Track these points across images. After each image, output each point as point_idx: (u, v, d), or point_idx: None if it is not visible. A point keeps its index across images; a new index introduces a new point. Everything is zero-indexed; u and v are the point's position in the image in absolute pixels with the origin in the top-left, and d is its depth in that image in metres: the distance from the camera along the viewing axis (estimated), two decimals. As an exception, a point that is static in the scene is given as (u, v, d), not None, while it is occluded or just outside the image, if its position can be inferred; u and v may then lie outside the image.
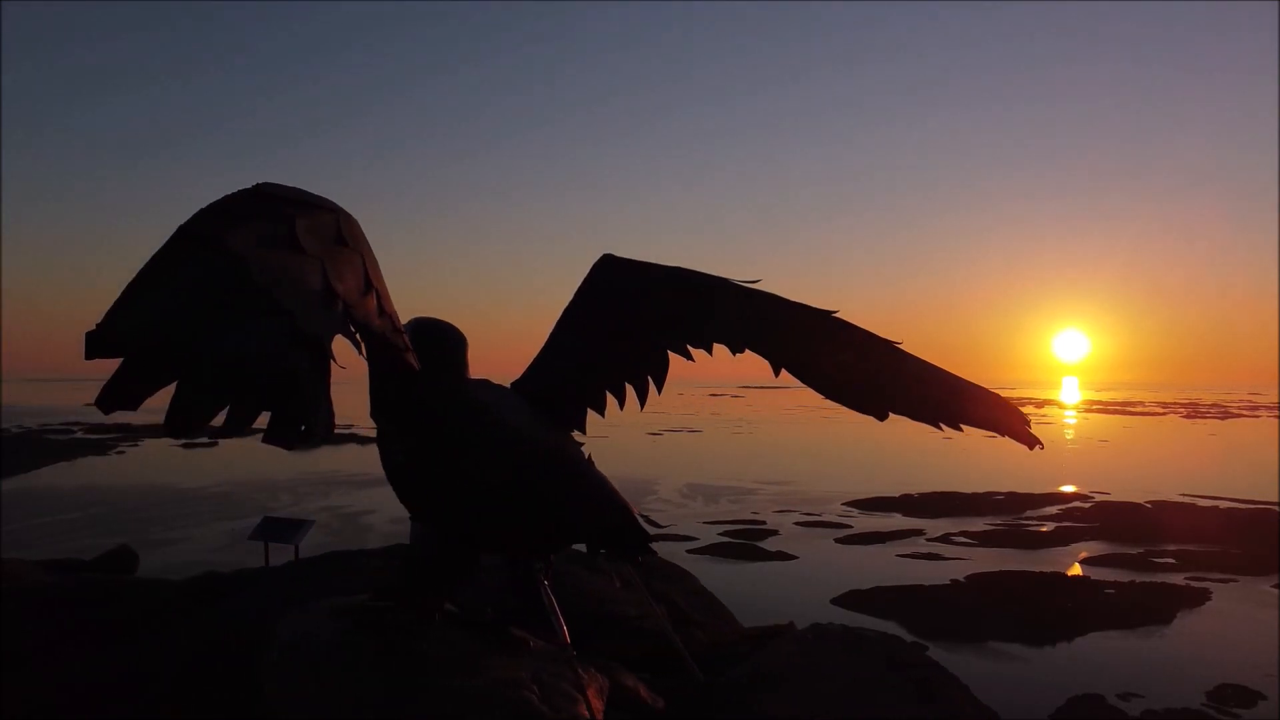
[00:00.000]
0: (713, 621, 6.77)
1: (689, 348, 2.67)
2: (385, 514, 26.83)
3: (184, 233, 1.87)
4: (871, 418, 2.58)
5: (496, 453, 2.43)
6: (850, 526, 25.43)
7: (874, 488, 30.97)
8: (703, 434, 62.00)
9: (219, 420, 2.01)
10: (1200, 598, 17.51)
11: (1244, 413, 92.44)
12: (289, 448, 2.21)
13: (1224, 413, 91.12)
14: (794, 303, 2.58)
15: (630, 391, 2.74)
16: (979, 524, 25.29)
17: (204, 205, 1.93)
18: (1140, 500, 28.40)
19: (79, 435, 53.28)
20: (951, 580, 18.30)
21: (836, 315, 2.55)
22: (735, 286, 2.62)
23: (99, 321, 1.76)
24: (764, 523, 25.51)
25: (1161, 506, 27.53)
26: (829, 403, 2.66)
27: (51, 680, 4.48)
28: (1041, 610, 15.98)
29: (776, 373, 2.53)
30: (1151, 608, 16.51)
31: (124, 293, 1.81)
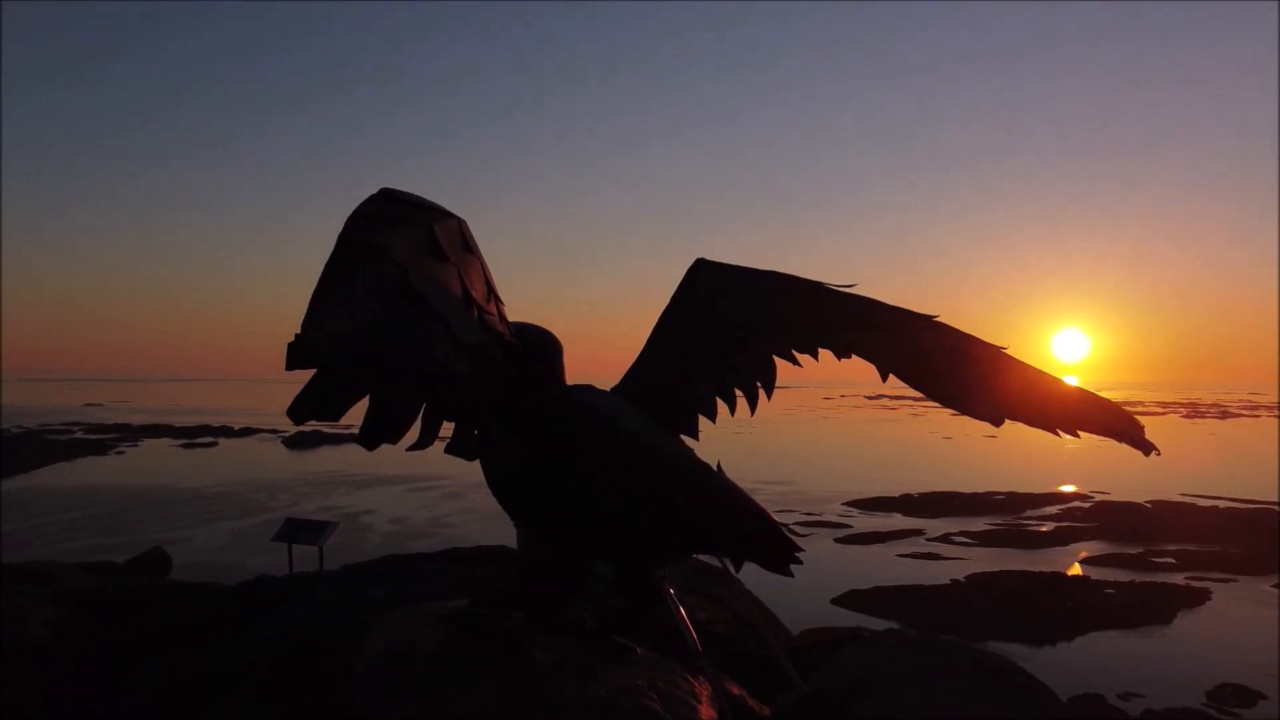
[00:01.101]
0: (766, 625, 6.70)
1: (794, 353, 2.62)
2: (385, 514, 26.88)
3: (350, 242, 1.91)
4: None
5: (621, 459, 2.38)
6: (850, 526, 25.44)
7: (874, 488, 30.97)
8: (703, 433, 61.90)
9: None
10: (1200, 597, 17.51)
11: (1243, 412, 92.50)
12: (470, 458, 2.25)
13: (1223, 413, 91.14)
14: (895, 307, 2.54)
15: (734, 396, 2.69)
16: (979, 524, 25.29)
17: (353, 211, 1.97)
18: (1140, 500, 28.38)
19: (79, 435, 53.23)
20: (951, 580, 18.31)
21: (938, 319, 2.52)
22: (835, 290, 2.59)
23: (297, 333, 1.81)
24: (764, 523, 25.41)
25: (1161, 506, 27.51)
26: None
27: (132, 685, 4.45)
28: (1041, 610, 15.98)
29: (884, 378, 2.49)
30: (1151, 607, 16.52)
31: (311, 303, 1.86)
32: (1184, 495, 30.01)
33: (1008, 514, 27.35)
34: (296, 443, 51.12)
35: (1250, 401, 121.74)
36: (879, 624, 13.71)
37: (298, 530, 14.38)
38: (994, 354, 2.48)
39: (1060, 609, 16.09)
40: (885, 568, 19.87)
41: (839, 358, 2.54)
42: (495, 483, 2.45)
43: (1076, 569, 20.20)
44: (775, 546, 2.55)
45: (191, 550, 20.57)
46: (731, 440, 57.03)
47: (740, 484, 2.63)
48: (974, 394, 2.44)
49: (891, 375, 2.50)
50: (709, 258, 2.71)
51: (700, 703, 2.47)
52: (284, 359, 1.81)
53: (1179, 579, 18.98)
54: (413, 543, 22.54)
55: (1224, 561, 20.56)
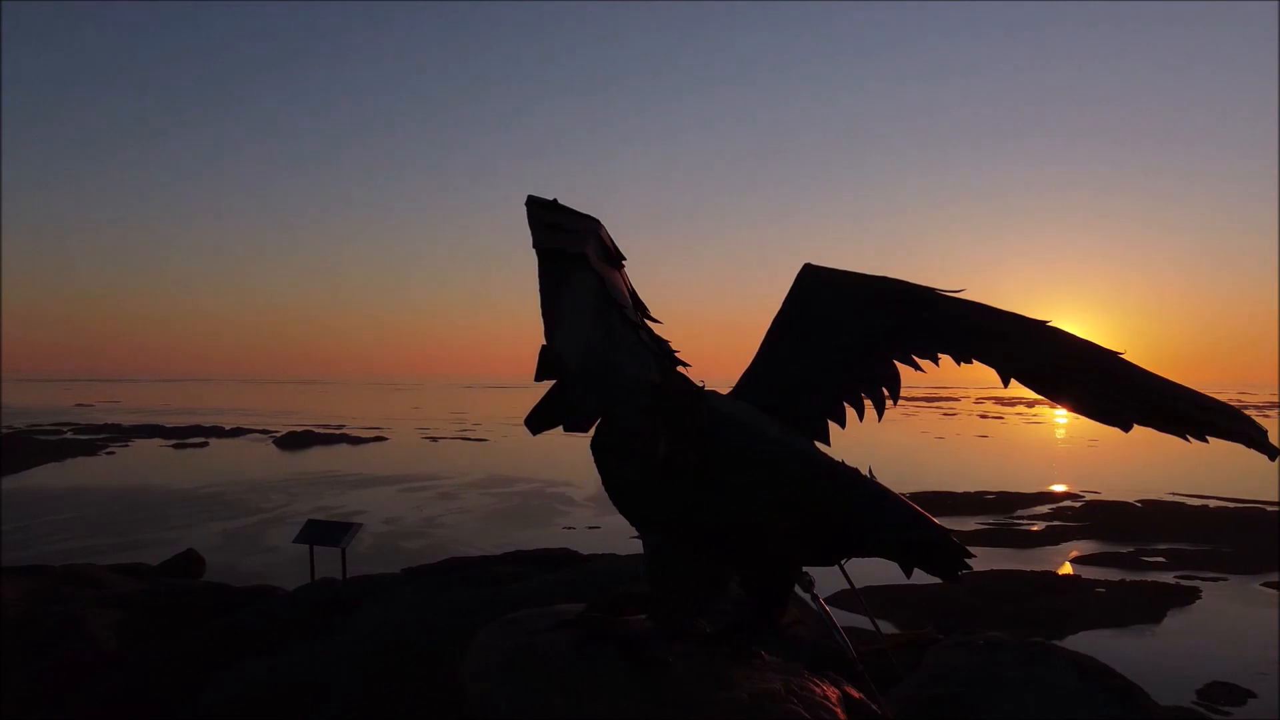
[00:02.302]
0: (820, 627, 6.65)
1: (915, 358, 2.62)
2: (377, 515, 26.81)
3: (555, 253, 1.97)
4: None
5: (771, 465, 2.32)
6: (842, 526, 25.42)
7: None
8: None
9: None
10: (1190, 596, 17.61)
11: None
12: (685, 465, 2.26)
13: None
14: (1008, 312, 2.51)
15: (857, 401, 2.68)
16: (970, 524, 25.37)
17: (535, 221, 2.02)
18: (1130, 499, 28.54)
19: (69, 436, 53.03)
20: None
21: (1050, 324, 2.52)
22: (949, 296, 2.57)
23: (544, 345, 1.89)
24: (755, 523, 25.47)
25: (1151, 505, 27.66)
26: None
27: (222, 690, 4.41)
28: (1032, 609, 16.05)
29: (1006, 383, 2.45)
30: (1142, 606, 16.60)
31: (546, 315, 1.93)
32: (1173, 494, 30.15)
33: (999, 514, 27.46)
34: (287, 443, 51.07)
35: (1240, 401, 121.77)
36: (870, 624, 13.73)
37: (319, 532, 14.06)
38: (1111, 358, 2.46)
39: (1051, 608, 16.16)
40: (875, 567, 19.53)
41: (958, 363, 2.52)
42: (623, 489, 2.37)
43: (1068, 568, 20.28)
44: (945, 551, 2.51)
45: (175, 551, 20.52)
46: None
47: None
48: (1100, 399, 2.41)
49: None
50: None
51: (835, 705, 2.41)
52: (534, 369, 1.87)
53: (1169, 578, 19.06)
54: (406, 543, 22.52)
55: (1214, 560, 20.67)
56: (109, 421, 63.05)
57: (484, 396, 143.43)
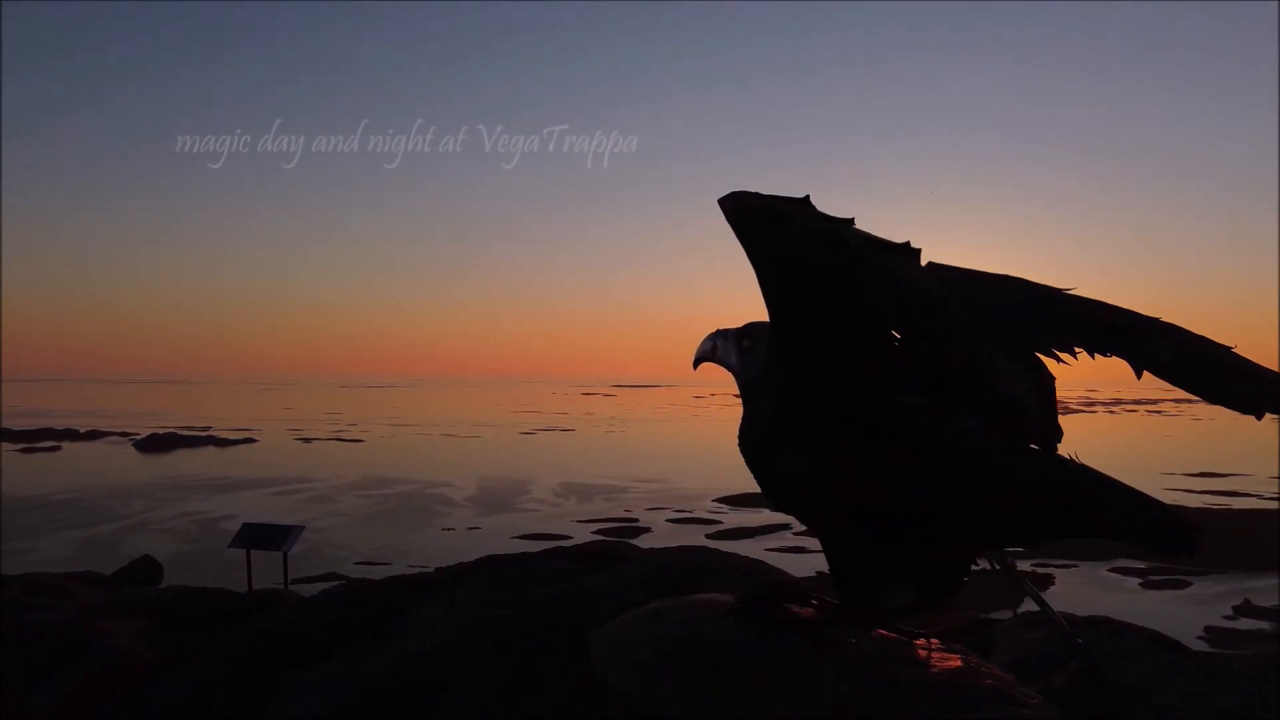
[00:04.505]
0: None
1: (1056, 351, 2.60)
2: (248, 519, 25.85)
3: (896, 246, 2.08)
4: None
5: (972, 448, 2.36)
6: (720, 522, 26.06)
7: (742, 484, 30.86)
8: (575, 433, 62.06)
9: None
10: (1044, 583, 18.78)
11: (1080, 408, 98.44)
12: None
13: (1063, 409, 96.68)
14: (1126, 309, 2.62)
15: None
16: (842, 517, 26.17)
17: (819, 218, 2.00)
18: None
19: (-97, 441, 49.39)
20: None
21: (1162, 320, 2.63)
22: (1070, 294, 2.69)
23: (948, 330, 2.17)
24: (637, 520, 25.87)
25: (1009, 497, 29.12)
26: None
27: (318, 688, 4.05)
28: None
29: (1139, 375, 2.55)
30: (1000, 594, 17.41)
31: (928, 302, 2.11)
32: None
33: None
34: (149, 446, 48.88)
35: (1088, 398, 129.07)
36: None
37: (257, 535, 13.12)
38: (1228, 353, 2.58)
39: (918, 597, 16.90)
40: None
41: (1092, 356, 2.61)
42: (781, 485, 2.40)
43: (933, 559, 21.24)
44: (1181, 529, 2.57)
45: (35, 562, 19.35)
46: (604, 438, 57.64)
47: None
48: (1231, 388, 2.43)
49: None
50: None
51: (1010, 681, 2.41)
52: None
53: (1026, 565, 20.16)
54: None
55: (1065, 547, 21.90)
56: (-52, 425, 58.97)
57: (359, 396, 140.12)
